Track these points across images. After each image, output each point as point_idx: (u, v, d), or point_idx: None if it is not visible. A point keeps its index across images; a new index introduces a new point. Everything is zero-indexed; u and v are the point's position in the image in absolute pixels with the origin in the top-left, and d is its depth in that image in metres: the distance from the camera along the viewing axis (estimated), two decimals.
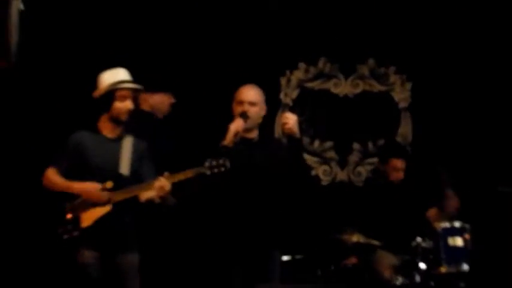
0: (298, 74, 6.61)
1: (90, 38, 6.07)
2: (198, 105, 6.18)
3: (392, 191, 5.78)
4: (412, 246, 5.30)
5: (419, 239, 5.29)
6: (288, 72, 6.61)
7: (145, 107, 5.27)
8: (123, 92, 4.45)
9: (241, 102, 4.62)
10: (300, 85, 6.61)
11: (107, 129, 4.51)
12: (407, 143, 6.52)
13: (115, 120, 4.49)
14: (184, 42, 6.27)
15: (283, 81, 6.60)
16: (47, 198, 4.48)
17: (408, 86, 6.60)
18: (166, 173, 4.33)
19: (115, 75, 4.48)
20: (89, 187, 4.37)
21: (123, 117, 4.47)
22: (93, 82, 4.53)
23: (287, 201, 4.77)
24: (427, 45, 6.46)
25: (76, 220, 4.39)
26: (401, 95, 6.60)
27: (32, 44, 5.41)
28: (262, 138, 4.72)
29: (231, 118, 4.60)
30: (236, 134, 4.47)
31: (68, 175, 4.43)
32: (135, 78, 4.57)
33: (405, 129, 6.57)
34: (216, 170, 4.28)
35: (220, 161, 4.29)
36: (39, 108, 5.94)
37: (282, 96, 6.59)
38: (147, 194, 4.39)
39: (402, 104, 6.60)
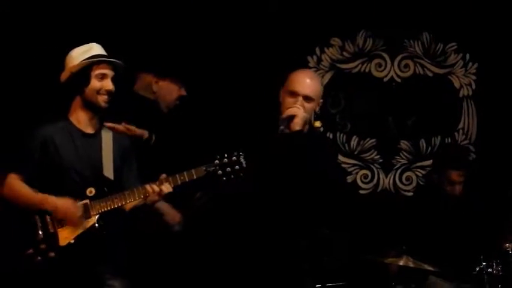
0: (330, 53, 6.61)
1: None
2: (214, 98, 6.18)
3: (449, 204, 5.78)
4: (474, 272, 5.35)
5: (484, 264, 5.29)
6: (317, 50, 6.60)
7: (146, 93, 5.29)
8: (101, 68, 4.39)
9: (294, 94, 4.58)
10: (334, 67, 6.61)
11: (82, 120, 4.46)
12: (470, 142, 6.53)
13: (91, 107, 4.42)
14: (200, 22, 6.34)
15: (311, 61, 6.60)
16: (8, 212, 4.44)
17: (472, 68, 6.57)
18: (163, 175, 4.30)
19: (88, 51, 4.44)
20: (64, 207, 4.29)
21: (102, 102, 4.40)
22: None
23: (320, 216, 4.77)
24: (496, 17, 6.47)
25: (52, 238, 4.35)
26: (463, 80, 6.59)
27: None
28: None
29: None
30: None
31: (36, 182, 4.37)
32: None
33: (467, 124, 6.58)
34: (229, 169, 4.25)
35: (234, 157, 4.24)
36: None
37: None
38: (133, 203, 4.39)
39: (464, 92, 6.58)
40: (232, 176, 4.24)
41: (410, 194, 6.54)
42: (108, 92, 4.40)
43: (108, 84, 4.40)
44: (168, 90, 5.31)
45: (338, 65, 6.60)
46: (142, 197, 4.32)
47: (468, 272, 5.41)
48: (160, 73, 5.27)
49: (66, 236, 4.34)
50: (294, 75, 4.62)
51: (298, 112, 4.48)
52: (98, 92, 4.40)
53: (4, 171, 4.46)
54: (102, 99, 4.40)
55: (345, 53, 6.60)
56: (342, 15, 6.50)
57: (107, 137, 4.52)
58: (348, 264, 5.95)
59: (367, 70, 6.60)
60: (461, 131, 6.56)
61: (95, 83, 4.39)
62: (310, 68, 6.54)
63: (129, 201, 4.35)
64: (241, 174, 4.25)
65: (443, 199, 5.78)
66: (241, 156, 4.24)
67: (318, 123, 5.05)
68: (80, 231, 4.34)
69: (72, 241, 4.33)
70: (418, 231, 5.67)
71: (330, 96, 6.53)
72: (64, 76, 4.45)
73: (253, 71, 4.83)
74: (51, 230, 4.35)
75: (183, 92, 5.37)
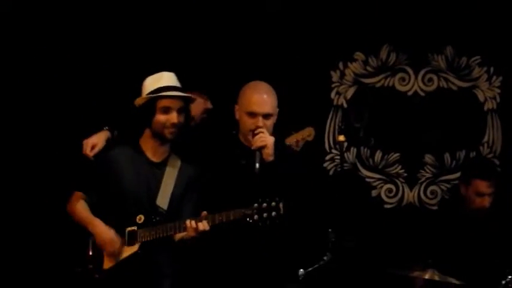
0: (354, 67, 6.62)
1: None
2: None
3: (476, 219, 5.73)
4: (500, 286, 5.28)
5: (510, 277, 5.28)
6: (341, 64, 6.62)
7: None
8: (165, 102, 4.43)
9: (253, 115, 4.61)
10: (357, 81, 6.62)
11: (150, 148, 4.56)
12: (494, 155, 6.51)
13: (159, 138, 4.49)
14: (222, 30, 6.40)
15: (335, 76, 6.61)
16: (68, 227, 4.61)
17: (497, 81, 6.56)
18: (204, 213, 4.35)
19: (156, 81, 4.48)
20: (104, 235, 4.42)
21: (168, 135, 4.47)
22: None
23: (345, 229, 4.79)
24: None
25: (98, 259, 4.47)
26: (487, 94, 6.56)
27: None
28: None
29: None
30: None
31: (97, 201, 4.53)
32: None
33: (492, 137, 6.54)
34: (265, 215, 4.24)
35: (273, 202, 4.25)
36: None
37: (333, 95, 6.61)
38: (181, 234, 4.44)
39: (488, 105, 6.56)
40: (268, 222, 4.26)
41: (435, 208, 6.50)
42: (174, 125, 4.44)
43: (173, 118, 4.43)
44: (194, 105, 5.33)
45: (361, 80, 6.59)
46: (182, 230, 4.37)
47: (494, 286, 5.38)
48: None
49: (110, 259, 4.47)
50: (249, 94, 4.66)
51: (267, 141, 4.53)
52: (164, 125, 4.42)
53: (72, 189, 4.61)
54: (168, 132, 4.47)
55: (368, 68, 6.59)
56: (366, 30, 6.50)
57: (172, 166, 4.57)
58: (374, 277, 5.94)
59: (390, 84, 6.59)
60: (486, 144, 6.51)
61: (160, 117, 4.44)
62: (333, 82, 6.59)
63: (170, 233, 4.39)
64: (277, 221, 4.26)
65: (471, 212, 5.73)
66: (280, 203, 4.25)
67: (341, 138, 5.08)
68: (122, 256, 4.45)
69: (114, 266, 4.45)
70: (444, 245, 5.64)
71: (354, 111, 6.54)
72: (136, 103, 4.51)
73: (277, 85, 4.85)
74: (99, 252, 4.49)
75: (209, 105, 5.37)
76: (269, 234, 4.52)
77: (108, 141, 4.62)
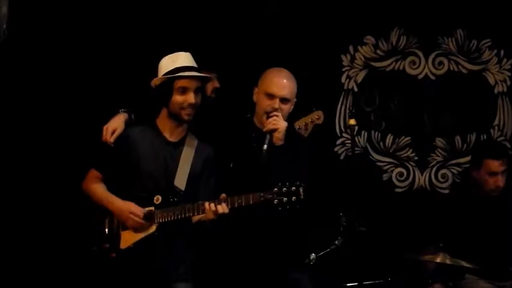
0: (364, 51, 6.63)
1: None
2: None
3: (489, 201, 5.72)
4: None
5: None
6: (351, 48, 6.63)
7: None
8: (182, 82, 4.42)
9: (271, 96, 4.63)
10: (367, 65, 6.63)
11: (167, 128, 4.54)
12: (505, 138, 6.53)
13: (176, 118, 4.48)
14: (234, 14, 6.38)
15: (345, 60, 6.62)
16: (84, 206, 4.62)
17: (507, 64, 6.57)
18: (223, 195, 4.36)
19: (173, 62, 4.47)
20: (127, 210, 4.42)
21: (185, 116, 4.45)
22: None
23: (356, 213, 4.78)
24: None
25: (115, 238, 4.49)
26: (497, 77, 6.57)
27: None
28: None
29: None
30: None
31: (114, 179, 4.53)
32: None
33: (503, 120, 6.55)
34: (285, 200, 4.23)
35: (293, 187, 4.23)
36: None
37: (344, 79, 6.63)
38: (199, 216, 4.43)
39: (499, 88, 6.57)
40: (288, 207, 4.24)
41: (446, 191, 6.50)
42: (191, 106, 4.43)
43: (190, 98, 4.42)
44: None
45: (372, 63, 6.60)
46: (200, 213, 4.37)
47: (506, 269, 5.39)
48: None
49: (127, 239, 4.48)
50: (270, 76, 4.68)
51: (279, 125, 4.54)
52: (181, 105, 4.42)
53: (88, 166, 4.62)
54: (184, 113, 4.46)
55: (378, 51, 6.60)
56: (376, 14, 6.49)
57: (189, 147, 4.55)
58: (385, 261, 5.96)
59: (401, 68, 6.59)
60: (496, 127, 6.52)
61: (177, 97, 4.43)
62: (344, 66, 6.60)
63: (188, 215, 4.38)
64: (297, 207, 4.25)
65: (483, 195, 5.71)
66: (300, 188, 4.24)
67: (352, 122, 5.08)
68: (139, 236, 4.45)
69: (132, 246, 4.45)
70: (455, 228, 5.64)
71: (364, 95, 6.55)
72: (152, 84, 4.50)
73: (287, 69, 4.88)
74: (116, 231, 4.51)
75: (217, 84, 5.36)
76: (281, 218, 4.52)
77: (126, 123, 4.61)
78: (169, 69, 4.43)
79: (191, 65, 4.47)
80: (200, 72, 4.48)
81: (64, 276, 5.75)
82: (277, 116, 4.57)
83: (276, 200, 4.23)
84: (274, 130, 4.55)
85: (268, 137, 4.54)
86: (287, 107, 4.66)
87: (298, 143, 4.78)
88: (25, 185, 5.91)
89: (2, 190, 5.80)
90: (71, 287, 5.68)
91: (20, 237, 5.87)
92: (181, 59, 4.48)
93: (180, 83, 4.41)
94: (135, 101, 4.85)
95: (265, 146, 4.48)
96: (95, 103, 5.89)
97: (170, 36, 6.03)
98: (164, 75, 4.44)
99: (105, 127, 4.56)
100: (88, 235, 4.56)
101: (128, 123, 4.62)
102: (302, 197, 4.22)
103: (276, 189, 4.24)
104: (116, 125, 4.56)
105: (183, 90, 4.41)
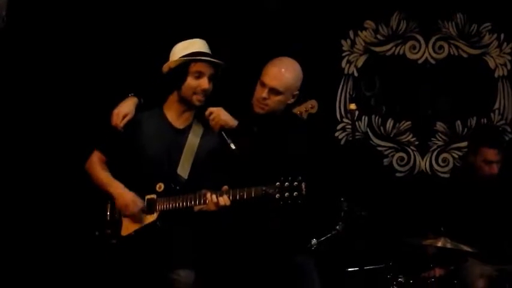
0: (364, 36, 6.62)
1: None
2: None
3: (487, 185, 5.74)
4: None
5: None
6: (351, 33, 6.61)
7: None
8: (199, 66, 4.41)
9: (263, 85, 4.61)
10: (368, 50, 6.62)
11: (175, 114, 4.52)
12: (506, 122, 6.52)
13: (186, 103, 4.47)
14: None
15: (345, 45, 6.61)
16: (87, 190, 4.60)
17: (507, 48, 6.55)
18: (225, 187, 4.34)
19: (189, 47, 4.45)
20: (126, 198, 4.40)
21: (196, 101, 4.44)
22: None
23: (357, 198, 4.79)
24: None
25: (117, 225, 4.47)
26: (498, 60, 6.55)
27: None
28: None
29: None
30: None
31: (117, 164, 4.51)
32: None
33: (503, 104, 6.53)
34: (287, 194, 4.20)
35: (295, 182, 4.20)
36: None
37: (344, 64, 6.62)
38: (200, 206, 4.39)
39: (499, 72, 6.55)
40: (289, 202, 4.21)
41: (447, 175, 6.50)
42: (204, 91, 4.42)
43: (204, 83, 4.41)
44: None
45: (372, 48, 6.59)
46: (202, 203, 4.34)
47: (507, 253, 5.40)
48: None
49: (128, 227, 4.45)
50: (269, 64, 4.66)
51: (219, 118, 4.51)
52: (194, 90, 4.41)
53: (92, 148, 4.60)
54: (196, 98, 4.43)
55: (378, 36, 6.59)
56: None
57: (195, 134, 4.54)
58: (386, 246, 5.97)
59: (401, 52, 6.58)
60: (497, 111, 6.50)
61: (191, 81, 4.41)
62: (344, 51, 6.60)
63: (190, 205, 4.35)
64: (299, 202, 4.22)
65: (480, 180, 5.73)
66: (302, 183, 4.20)
67: (353, 106, 5.08)
68: (140, 225, 4.43)
69: (133, 233, 4.43)
70: (456, 213, 5.66)
71: (365, 80, 6.55)
72: (165, 68, 4.49)
73: (286, 55, 4.87)
74: (117, 217, 4.49)
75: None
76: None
77: (136, 108, 4.60)
78: (186, 52, 4.43)
79: (207, 51, 4.48)
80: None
81: (66, 261, 5.77)
82: (212, 113, 4.53)
83: (277, 195, 4.20)
84: (222, 125, 4.51)
85: (224, 134, 4.49)
86: (276, 99, 4.60)
87: (294, 128, 4.75)
88: (28, 170, 5.94)
89: (4, 174, 5.81)
90: (73, 272, 5.69)
91: (22, 221, 5.90)
92: (198, 44, 4.48)
93: (196, 67, 4.40)
94: (143, 86, 4.83)
95: (232, 145, 4.44)
96: (101, 85, 5.93)
97: (176, 26, 6.02)
98: (182, 57, 4.43)
99: (115, 111, 4.52)
100: (91, 220, 4.55)
101: (137, 108, 4.60)
102: (304, 192, 4.18)
103: (278, 183, 4.20)
104: (127, 110, 4.52)
105: (199, 75, 4.40)
